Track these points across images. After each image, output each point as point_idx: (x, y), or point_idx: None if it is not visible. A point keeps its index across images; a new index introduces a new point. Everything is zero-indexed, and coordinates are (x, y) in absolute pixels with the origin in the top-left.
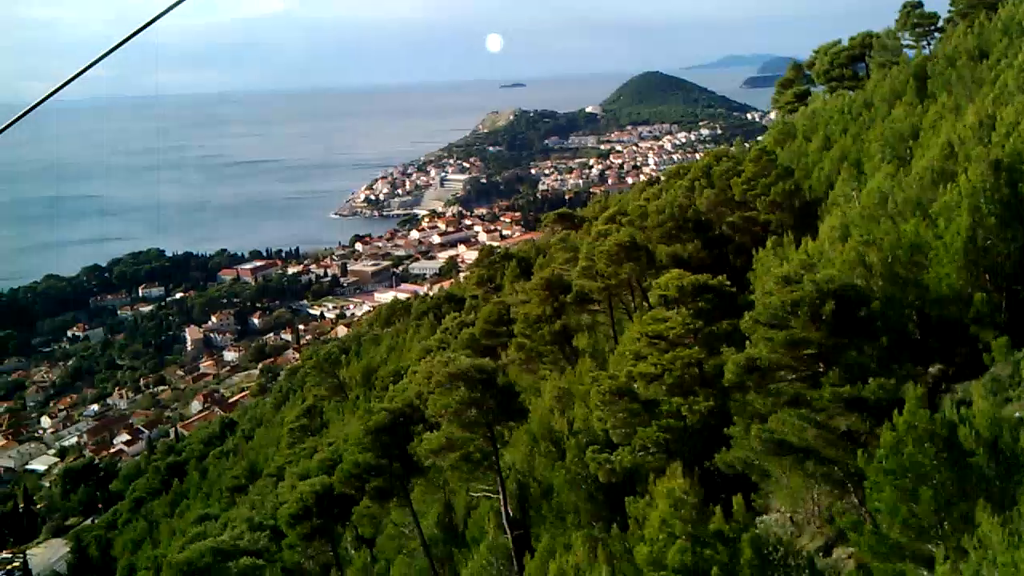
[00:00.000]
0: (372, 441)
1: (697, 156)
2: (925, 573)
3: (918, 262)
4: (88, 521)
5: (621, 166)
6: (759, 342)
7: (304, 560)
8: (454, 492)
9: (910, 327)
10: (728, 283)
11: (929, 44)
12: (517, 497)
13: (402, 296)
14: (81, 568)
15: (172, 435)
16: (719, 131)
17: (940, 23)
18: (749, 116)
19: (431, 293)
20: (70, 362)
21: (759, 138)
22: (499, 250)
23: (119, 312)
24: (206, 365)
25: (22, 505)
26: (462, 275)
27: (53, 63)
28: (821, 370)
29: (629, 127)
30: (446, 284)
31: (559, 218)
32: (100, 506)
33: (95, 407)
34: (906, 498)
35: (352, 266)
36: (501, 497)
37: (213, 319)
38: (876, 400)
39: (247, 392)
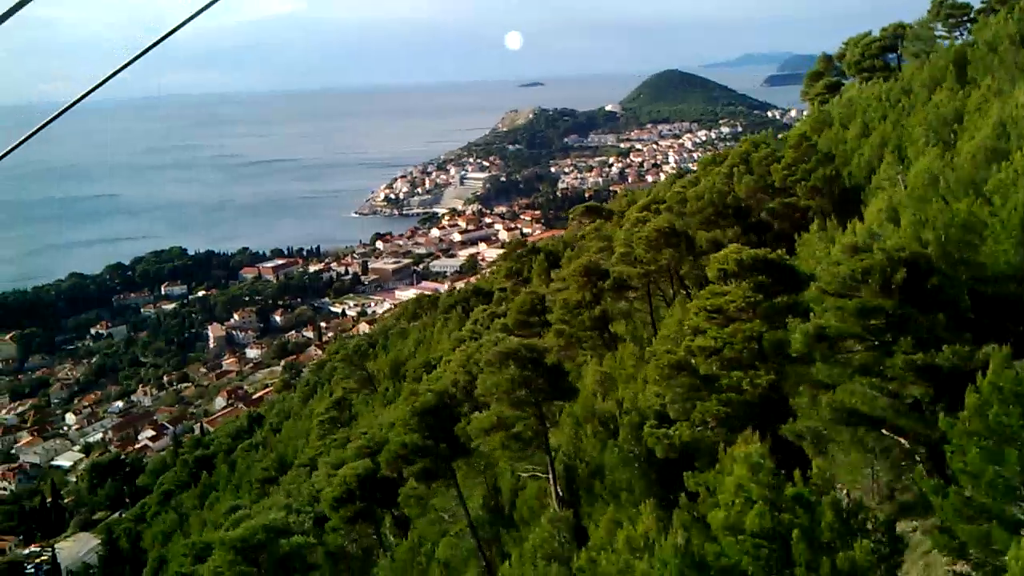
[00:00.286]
0: (419, 422)
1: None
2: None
3: (971, 241)
4: (116, 515)
5: (641, 164)
6: (828, 311)
7: (347, 543)
8: (499, 474)
9: (963, 305)
10: (786, 257)
11: (961, 35)
12: (564, 478)
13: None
14: (112, 560)
15: (197, 431)
16: (739, 129)
17: (972, 13)
18: (770, 114)
19: (457, 287)
20: (94, 359)
21: (787, 131)
22: (526, 244)
23: (142, 310)
24: (229, 362)
25: (49, 500)
26: (488, 269)
27: (53, 63)
28: (889, 340)
29: (649, 125)
30: (473, 279)
31: (587, 211)
32: (127, 500)
33: (119, 404)
34: (991, 459)
35: (373, 264)
36: (551, 476)
37: (235, 316)
38: (950, 367)
39: (271, 388)
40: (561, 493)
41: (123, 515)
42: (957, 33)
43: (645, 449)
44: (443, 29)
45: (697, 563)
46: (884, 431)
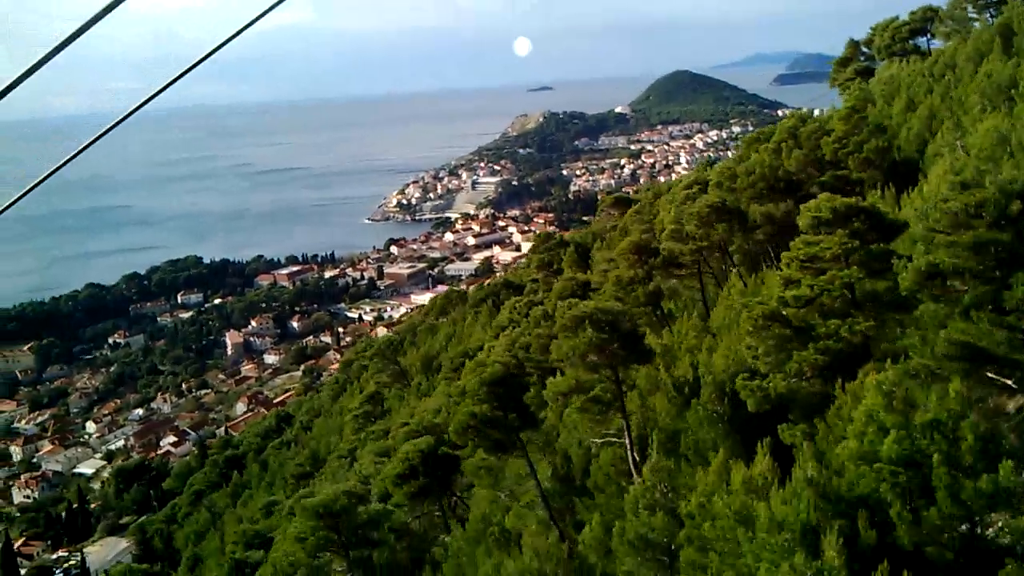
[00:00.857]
0: (487, 393)
1: (729, 154)
2: None
3: None
4: (145, 517)
5: (653, 165)
6: (939, 248)
7: (411, 520)
8: (568, 444)
9: None
10: (878, 207)
11: (992, 16)
12: (638, 445)
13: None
14: (146, 560)
15: (220, 435)
16: (751, 128)
17: None
18: (780, 113)
19: (486, 283)
20: (112, 368)
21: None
22: (555, 237)
23: (159, 319)
24: (247, 368)
25: (76, 505)
26: (515, 265)
27: (62, 78)
28: (1004, 274)
29: (659, 126)
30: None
31: (616, 202)
32: (155, 504)
33: (139, 411)
34: None
35: (388, 269)
36: (627, 441)
37: (252, 323)
38: None
39: (292, 392)
40: (637, 458)
41: (154, 516)
42: (986, 15)
43: (729, 408)
44: (449, 37)
45: (830, 495)
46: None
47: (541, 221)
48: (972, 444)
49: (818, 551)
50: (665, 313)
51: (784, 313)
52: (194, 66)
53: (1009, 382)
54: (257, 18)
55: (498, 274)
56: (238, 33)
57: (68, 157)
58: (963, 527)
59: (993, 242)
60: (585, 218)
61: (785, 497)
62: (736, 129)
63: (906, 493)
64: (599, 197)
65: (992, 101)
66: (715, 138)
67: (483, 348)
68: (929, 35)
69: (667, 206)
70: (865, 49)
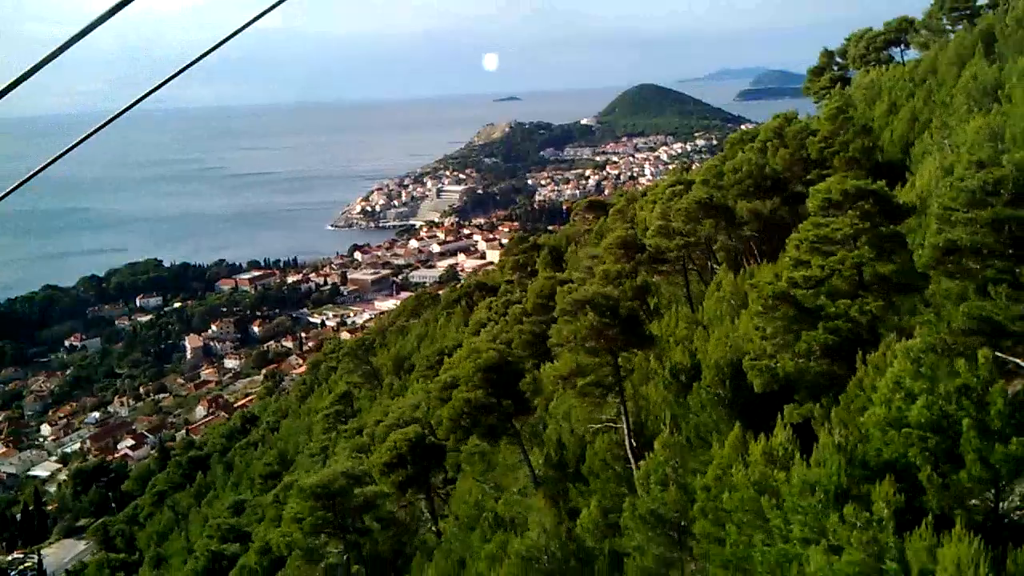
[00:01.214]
0: (482, 379)
1: (694, 167)
2: None
3: None
4: (103, 519)
5: (618, 177)
6: (956, 225)
7: (397, 509)
8: (562, 431)
9: None
10: (887, 188)
11: (966, 27)
12: (634, 431)
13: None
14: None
15: (179, 439)
16: (715, 142)
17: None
18: (744, 127)
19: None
20: (68, 371)
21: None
22: (528, 239)
23: (116, 322)
24: (207, 373)
25: (32, 507)
26: (489, 267)
27: (57, 78)
28: (1011, 253)
29: (624, 138)
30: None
31: (590, 206)
32: (113, 506)
33: (96, 415)
34: None
35: (352, 275)
36: (625, 426)
37: (213, 327)
38: None
39: (253, 396)
40: (635, 443)
41: (115, 517)
42: (959, 26)
43: (730, 391)
44: (434, 44)
45: (858, 460)
46: (999, 353)
47: (506, 230)
48: (1001, 409)
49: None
50: (652, 308)
51: (793, 294)
52: (184, 68)
53: (1020, 361)
54: (244, 26)
55: (472, 274)
56: (223, 42)
57: (49, 160)
58: (990, 492)
59: (1011, 219)
60: (551, 227)
61: (818, 459)
62: (700, 143)
63: (934, 457)
64: (564, 207)
65: (978, 103)
66: (679, 151)
67: (461, 346)
68: (903, 45)
69: (648, 206)
70: (839, 59)
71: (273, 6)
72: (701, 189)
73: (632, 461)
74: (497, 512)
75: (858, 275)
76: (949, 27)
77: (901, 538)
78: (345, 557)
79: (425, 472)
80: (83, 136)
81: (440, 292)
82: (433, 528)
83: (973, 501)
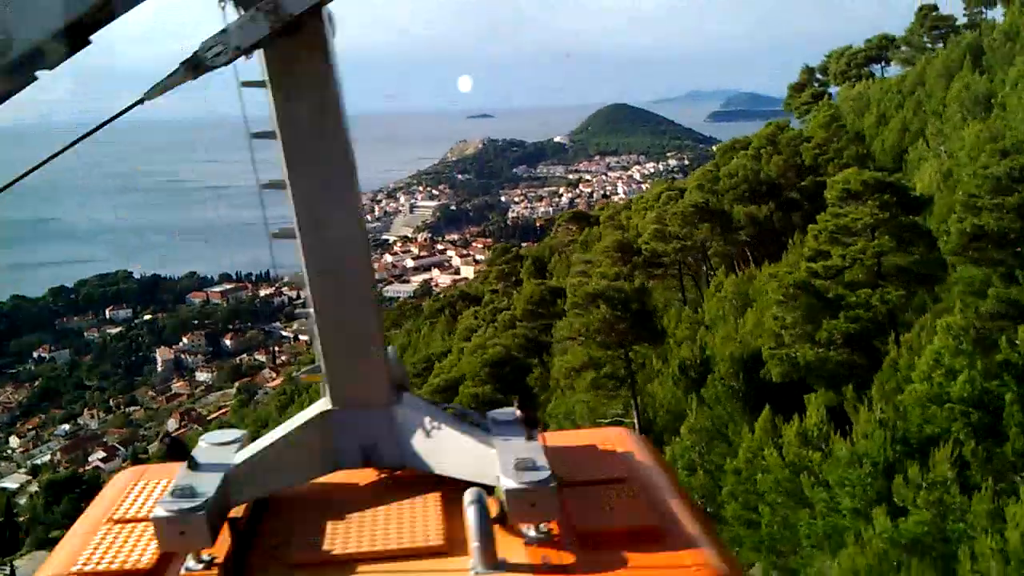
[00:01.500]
0: (489, 374)
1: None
2: None
3: None
4: None
5: (591, 194)
6: (982, 212)
7: None
8: (567, 427)
9: None
10: (904, 181)
11: (945, 44)
12: (643, 426)
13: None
14: None
15: (152, 451)
16: (687, 162)
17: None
18: (715, 148)
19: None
20: (36, 383)
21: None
22: (512, 250)
23: (86, 334)
24: (178, 386)
25: (2, 518)
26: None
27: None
28: None
29: (597, 157)
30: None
31: (574, 217)
32: None
33: (66, 427)
34: None
35: None
36: (635, 419)
37: (184, 340)
38: None
39: (226, 410)
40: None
41: None
42: (940, 44)
43: (744, 384)
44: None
45: (899, 436)
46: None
47: (480, 246)
48: None
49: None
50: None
51: (814, 284)
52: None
53: None
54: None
55: (453, 285)
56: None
57: (23, 172)
58: None
59: None
60: (524, 244)
61: (865, 432)
62: (673, 162)
63: (978, 432)
64: (538, 223)
65: (971, 111)
66: (652, 170)
67: (450, 352)
68: (883, 62)
69: (640, 213)
70: (819, 75)
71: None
72: (697, 194)
73: None
74: None
75: (877, 265)
76: (930, 44)
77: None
78: None
79: None
80: (61, 148)
81: (422, 303)
82: None
83: (1017, 477)
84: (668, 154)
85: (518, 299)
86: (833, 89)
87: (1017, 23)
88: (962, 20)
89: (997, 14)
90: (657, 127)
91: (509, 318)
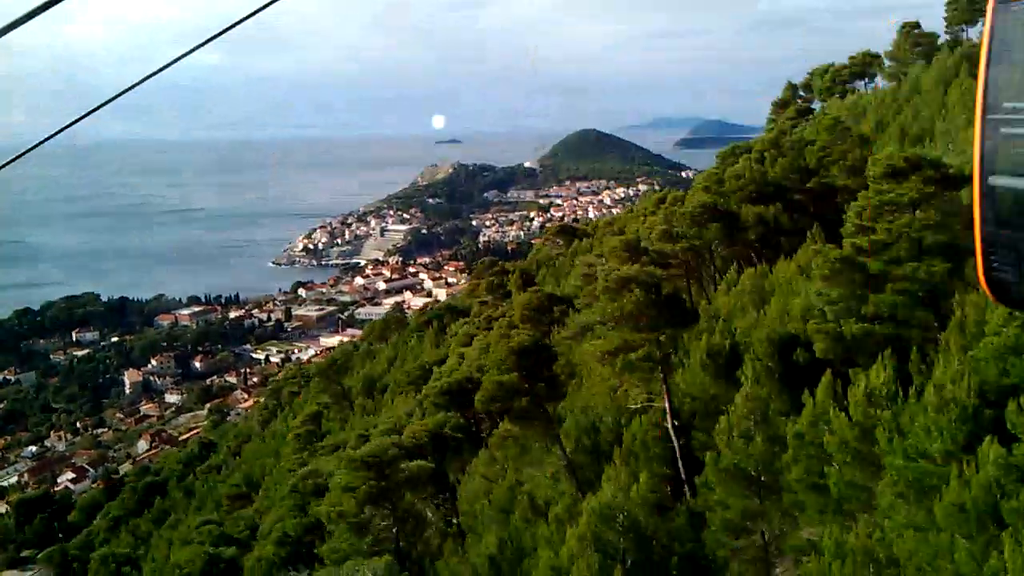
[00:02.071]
0: (516, 362)
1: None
2: None
3: None
4: (53, 547)
5: (562, 218)
6: None
7: (417, 501)
8: (597, 415)
9: None
10: (941, 159)
11: (927, 61)
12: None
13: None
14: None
15: (123, 471)
16: (657, 187)
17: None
18: (684, 174)
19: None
20: (2, 405)
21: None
22: (498, 264)
23: (52, 356)
24: (147, 407)
25: None
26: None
27: None
28: None
29: (567, 182)
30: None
31: (561, 230)
32: (60, 535)
33: (32, 448)
34: None
35: (296, 311)
36: (667, 404)
37: (153, 362)
38: None
39: (198, 430)
40: (676, 423)
41: (68, 544)
42: (922, 61)
43: (780, 365)
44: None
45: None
46: None
47: (452, 269)
48: None
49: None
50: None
51: (858, 259)
52: (111, 100)
53: None
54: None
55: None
56: (155, 73)
57: None
58: None
59: None
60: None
61: (952, 376)
62: (643, 188)
63: None
64: (509, 247)
65: (972, 113)
66: (622, 195)
67: (447, 359)
68: (866, 79)
69: (640, 219)
70: (802, 92)
71: (208, 39)
72: (703, 195)
73: (674, 440)
74: (533, 495)
75: (919, 240)
76: (914, 59)
77: None
78: (395, 530)
79: (443, 463)
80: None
81: (408, 317)
82: (455, 520)
83: None
84: (639, 179)
85: (515, 304)
86: (816, 104)
87: None
88: (943, 39)
89: (976, 32)
90: (626, 153)
91: (507, 323)
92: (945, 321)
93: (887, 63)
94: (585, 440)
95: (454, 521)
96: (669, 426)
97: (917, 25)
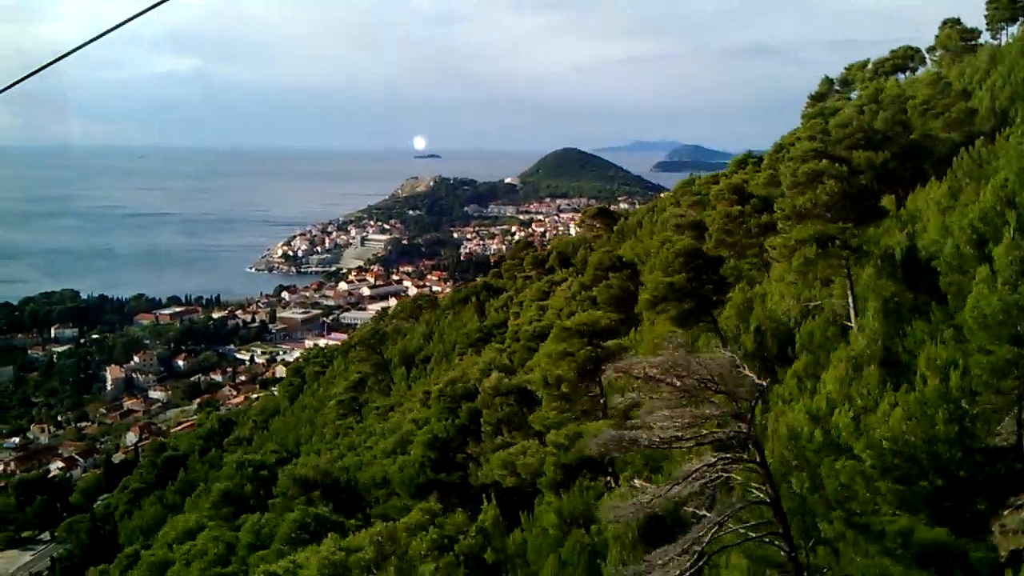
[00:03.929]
0: (682, 264)
1: None
2: None
3: None
4: (45, 534)
5: (543, 234)
6: None
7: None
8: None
9: None
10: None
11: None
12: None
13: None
14: (87, 556)
15: (118, 459)
16: (637, 206)
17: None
18: (663, 195)
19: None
20: None
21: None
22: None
23: (29, 351)
24: (131, 403)
25: None
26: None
27: None
28: None
29: (548, 199)
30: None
31: (599, 213)
32: (65, 515)
33: (15, 439)
34: None
35: (281, 313)
36: (850, 299)
37: (136, 359)
38: None
39: (191, 422)
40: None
41: (83, 515)
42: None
43: None
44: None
45: None
46: None
47: (435, 277)
48: None
49: None
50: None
51: None
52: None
53: None
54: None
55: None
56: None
57: None
58: None
59: None
60: (478, 278)
61: None
62: (624, 206)
63: None
64: (492, 259)
65: None
66: None
67: (518, 315)
68: (908, 71)
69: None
70: (837, 87)
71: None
72: (808, 143)
73: (857, 332)
74: None
75: None
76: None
77: None
78: (602, 400)
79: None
80: None
81: (437, 297)
82: None
83: None
84: (619, 198)
85: (589, 264)
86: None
87: None
88: (985, 36)
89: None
90: (605, 172)
91: (579, 284)
92: None
93: (937, 53)
94: (748, 344)
95: None
96: (852, 318)
97: (958, 21)
